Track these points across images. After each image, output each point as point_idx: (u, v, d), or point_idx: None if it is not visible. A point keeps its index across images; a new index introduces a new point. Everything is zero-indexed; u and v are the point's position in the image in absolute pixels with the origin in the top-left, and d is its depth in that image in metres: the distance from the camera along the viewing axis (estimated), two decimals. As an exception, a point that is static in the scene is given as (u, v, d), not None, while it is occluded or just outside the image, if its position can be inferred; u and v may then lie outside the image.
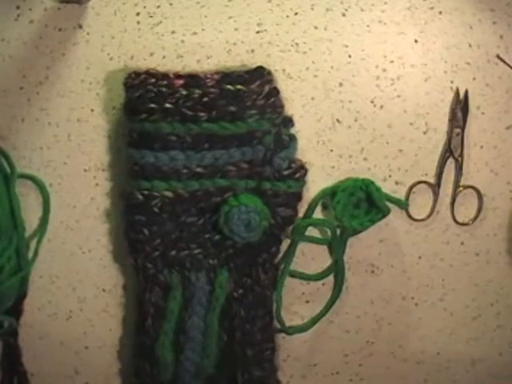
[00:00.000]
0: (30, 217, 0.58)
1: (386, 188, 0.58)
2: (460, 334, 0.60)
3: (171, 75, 0.54)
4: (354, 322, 0.60)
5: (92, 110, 0.57)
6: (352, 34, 0.57)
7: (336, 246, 0.58)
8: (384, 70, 0.58)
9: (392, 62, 0.58)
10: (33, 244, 0.58)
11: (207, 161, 0.55)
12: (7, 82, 0.57)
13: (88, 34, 0.57)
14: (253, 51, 0.57)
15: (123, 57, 0.57)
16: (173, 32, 0.57)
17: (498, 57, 0.58)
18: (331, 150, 0.58)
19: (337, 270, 0.59)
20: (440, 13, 0.58)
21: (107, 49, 0.57)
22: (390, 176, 0.59)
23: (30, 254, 0.58)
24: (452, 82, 0.58)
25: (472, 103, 0.58)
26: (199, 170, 0.55)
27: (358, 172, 0.58)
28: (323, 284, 0.59)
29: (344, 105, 0.58)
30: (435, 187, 0.58)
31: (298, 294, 0.59)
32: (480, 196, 0.59)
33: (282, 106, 0.56)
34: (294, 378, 0.60)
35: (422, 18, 0.58)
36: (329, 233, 0.58)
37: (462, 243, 0.59)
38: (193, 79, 0.54)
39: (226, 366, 0.57)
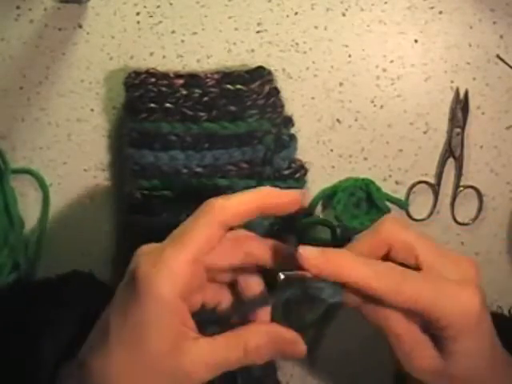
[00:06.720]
0: (31, 217, 0.58)
1: (386, 188, 0.58)
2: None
3: (171, 75, 0.54)
4: (355, 321, 0.60)
5: (92, 110, 0.57)
6: (352, 34, 0.57)
7: (336, 246, 0.58)
8: (384, 70, 0.58)
9: (392, 61, 0.58)
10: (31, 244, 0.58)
11: (207, 161, 0.55)
12: (7, 82, 0.57)
13: (88, 33, 0.57)
14: (253, 51, 0.57)
15: (123, 57, 0.57)
16: (173, 32, 0.57)
17: (498, 57, 0.58)
18: (331, 150, 0.58)
19: (337, 269, 0.59)
20: (440, 13, 0.58)
21: (107, 49, 0.57)
22: (390, 176, 0.59)
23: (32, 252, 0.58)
24: (452, 82, 0.58)
25: (472, 103, 0.58)
26: (199, 169, 0.55)
27: (358, 172, 0.58)
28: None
29: (344, 105, 0.58)
30: (435, 187, 0.58)
31: (298, 293, 0.59)
32: (480, 196, 0.59)
33: (282, 106, 0.56)
34: (294, 378, 0.60)
35: (421, 17, 0.58)
36: (329, 233, 0.58)
37: (462, 243, 0.59)
38: (193, 79, 0.54)
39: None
